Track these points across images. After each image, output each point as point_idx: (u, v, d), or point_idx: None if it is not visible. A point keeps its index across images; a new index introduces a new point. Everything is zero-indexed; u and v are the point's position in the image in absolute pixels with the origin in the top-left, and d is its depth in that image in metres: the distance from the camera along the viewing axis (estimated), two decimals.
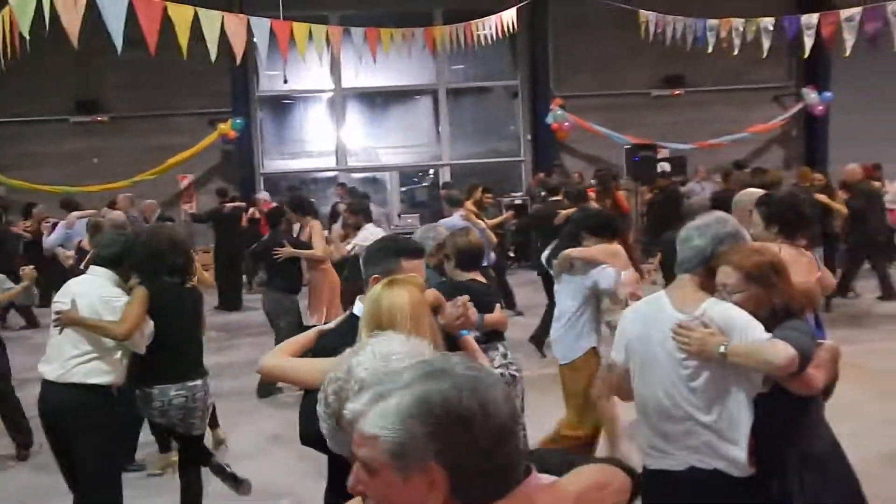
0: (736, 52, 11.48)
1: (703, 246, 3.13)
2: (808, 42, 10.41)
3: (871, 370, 7.13)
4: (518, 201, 15.50)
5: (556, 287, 5.59)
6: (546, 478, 1.42)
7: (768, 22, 11.01)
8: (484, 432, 1.28)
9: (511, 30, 12.69)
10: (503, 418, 1.30)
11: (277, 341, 8.13)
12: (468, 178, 14.73)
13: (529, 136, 17.53)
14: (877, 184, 11.82)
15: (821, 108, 16.89)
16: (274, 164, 17.58)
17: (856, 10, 9.46)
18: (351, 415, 1.37)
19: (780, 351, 2.81)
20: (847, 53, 9.74)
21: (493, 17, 12.43)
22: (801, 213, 4.44)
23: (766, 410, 2.98)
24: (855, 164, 11.99)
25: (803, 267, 4.14)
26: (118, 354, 4.52)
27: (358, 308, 2.93)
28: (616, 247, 5.33)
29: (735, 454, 2.96)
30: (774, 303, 3.01)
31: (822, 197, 9.64)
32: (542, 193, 11.26)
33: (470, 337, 3.15)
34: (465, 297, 3.13)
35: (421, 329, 2.51)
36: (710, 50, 11.81)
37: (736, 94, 17.10)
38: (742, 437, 2.96)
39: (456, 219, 8.95)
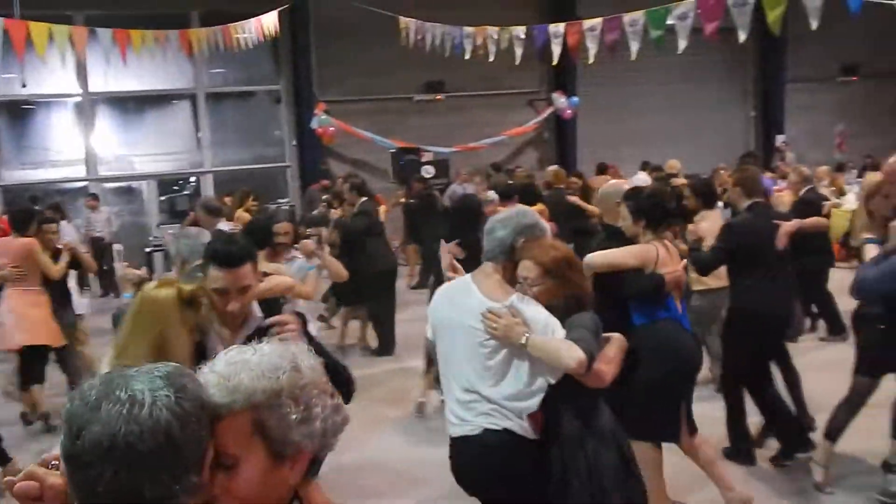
0: (492, 59, 11.95)
1: (505, 237, 3.39)
2: (556, 50, 10.98)
3: None
4: (285, 207, 15.22)
5: None
6: None
7: (520, 31, 11.54)
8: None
9: (272, 34, 12.44)
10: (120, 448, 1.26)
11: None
12: (232, 185, 14.24)
13: (294, 142, 17.30)
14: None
15: (569, 112, 18.04)
16: (13, 174, 16.05)
17: (597, 21, 10.09)
18: None
19: (573, 354, 3.09)
20: (591, 61, 10.38)
21: (253, 20, 12.13)
22: (666, 208, 4.78)
23: (554, 388, 3.25)
24: (555, 167, 12.99)
25: (672, 258, 4.55)
26: None
27: None
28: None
29: (519, 423, 3.25)
30: (567, 295, 3.32)
31: (574, 199, 10.20)
32: (325, 198, 11.20)
33: None
34: (288, 317, 2.96)
35: (137, 335, 2.48)
36: (467, 56, 12.22)
37: (493, 99, 17.87)
38: (524, 412, 3.24)
39: (224, 228, 8.62)
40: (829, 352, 8.10)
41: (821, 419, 5.45)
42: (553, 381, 3.22)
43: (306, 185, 16.18)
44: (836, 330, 8.46)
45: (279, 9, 12.86)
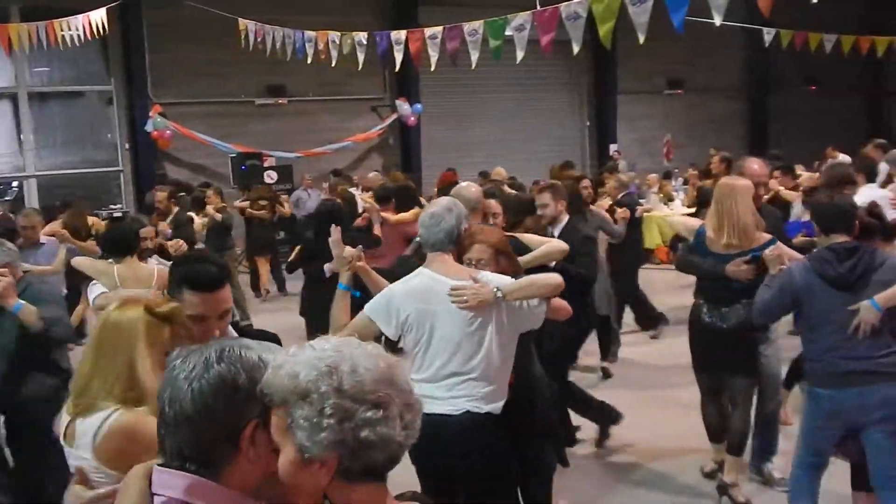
0: (334, 64, 11.83)
1: (451, 227, 3.54)
2: (398, 57, 10.98)
3: None
4: (117, 214, 14.49)
5: None
6: None
7: (362, 36, 11.47)
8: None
9: (101, 32, 11.81)
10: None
11: None
12: (59, 191, 13.43)
13: (127, 145, 16.51)
14: None
15: (412, 118, 18.18)
16: None
17: (437, 29, 10.17)
18: None
19: (551, 276, 3.45)
20: (433, 69, 10.47)
21: (80, 16, 11.47)
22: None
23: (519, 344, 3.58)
24: (375, 173, 13.27)
25: None
26: None
27: None
28: (108, 266, 4.98)
29: (500, 402, 3.45)
30: (515, 270, 3.66)
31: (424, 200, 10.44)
32: (180, 195, 10.93)
33: None
34: None
35: (106, 356, 2.29)
36: (309, 61, 12.04)
37: (337, 104, 17.74)
38: (506, 382, 3.50)
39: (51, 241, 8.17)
40: (652, 346, 8.63)
41: (650, 411, 5.67)
42: (537, 328, 3.53)
43: (141, 191, 15.48)
44: (647, 325, 9.07)
45: (108, 6, 12.22)
